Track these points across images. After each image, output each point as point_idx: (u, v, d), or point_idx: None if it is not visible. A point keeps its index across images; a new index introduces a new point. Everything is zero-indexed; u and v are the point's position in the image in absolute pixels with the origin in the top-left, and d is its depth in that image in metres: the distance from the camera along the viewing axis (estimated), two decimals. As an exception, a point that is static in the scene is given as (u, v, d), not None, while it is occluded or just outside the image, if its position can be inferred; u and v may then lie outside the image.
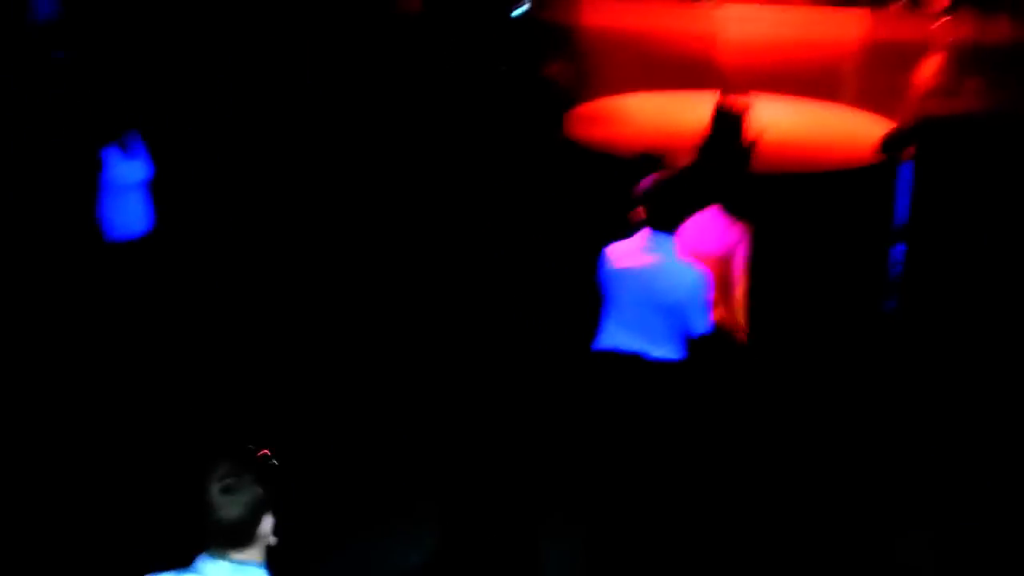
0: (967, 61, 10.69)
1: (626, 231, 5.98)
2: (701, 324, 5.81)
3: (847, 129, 9.91)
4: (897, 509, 6.36)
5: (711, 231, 6.73)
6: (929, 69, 10.37)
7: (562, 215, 8.82)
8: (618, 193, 8.87)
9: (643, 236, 5.88)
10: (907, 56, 11.19)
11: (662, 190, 5.87)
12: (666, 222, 5.82)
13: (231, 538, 3.54)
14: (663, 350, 5.83)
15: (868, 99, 10.55)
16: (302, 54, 10.23)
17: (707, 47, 12.81)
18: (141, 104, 7.63)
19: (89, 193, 7.17)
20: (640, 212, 5.89)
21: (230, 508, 3.52)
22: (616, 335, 5.89)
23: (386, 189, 9.49)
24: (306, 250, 8.87)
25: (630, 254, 5.88)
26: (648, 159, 8.71)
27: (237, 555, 3.56)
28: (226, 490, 3.53)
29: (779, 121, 10.29)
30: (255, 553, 3.59)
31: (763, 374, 7.19)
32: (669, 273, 5.76)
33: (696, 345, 5.87)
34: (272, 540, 3.61)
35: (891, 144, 8.69)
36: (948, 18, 10.71)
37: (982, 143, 8.38)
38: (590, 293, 5.99)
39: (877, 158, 8.81)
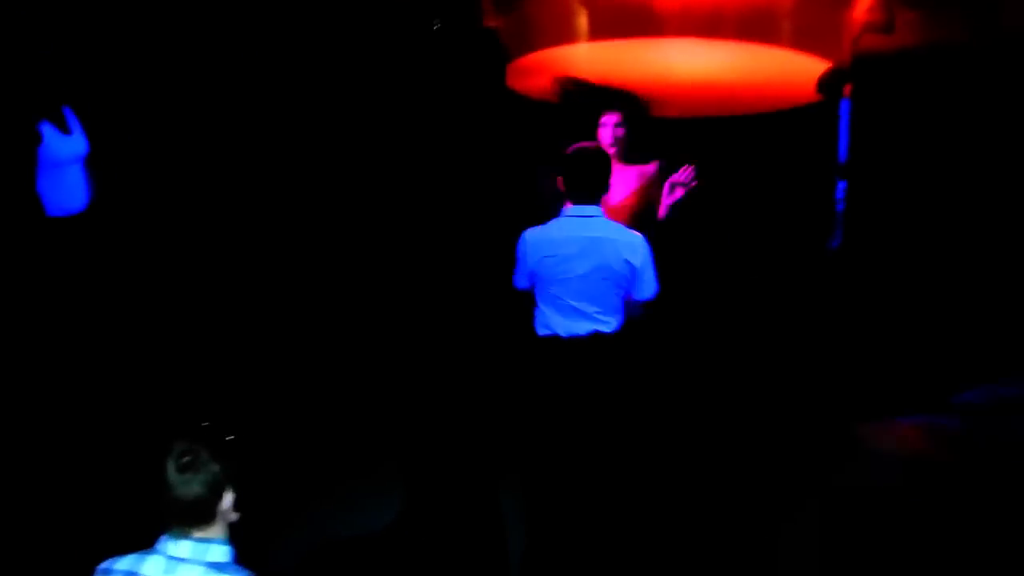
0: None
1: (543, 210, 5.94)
2: (648, 289, 5.82)
3: (785, 69, 9.91)
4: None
5: (617, 181, 6.73)
6: (864, 5, 10.41)
7: (506, 170, 8.80)
8: (560, 144, 8.91)
9: (566, 210, 5.88)
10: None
11: (581, 159, 5.81)
12: (590, 192, 5.81)
13: (192, 517, 3.56)
14: (612, 325, 5.83)
15: (805, 38, 10.55)
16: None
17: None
18: (77, 79, 7.53)
19: (27, 169, 7.08)
20: (560, 184, 5.84)
21: (189, 486, 3.53)
22: (554, 320, 5.82)
23: (326, 148, 9.41)
24: (251, 220, 8.80)
25: (555, 232, 5.82)
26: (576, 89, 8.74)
27: (199, 533, 3.58)
28: (183, 468, 3.54)
29: (717, 64, 10.30)
30: (217, 530, 3.60)
31: (709, 320, 7.24)
32: (603, 243, 5.74)
33: (641, 312, 5.88)
34: (234, 516, 3.62)
35: (828, 83, 8.72)
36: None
37: (919, 78, 8.43)
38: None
39: (816, 98, 8.84)
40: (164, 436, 3.58)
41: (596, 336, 5.72)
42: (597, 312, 5.75)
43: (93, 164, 7.31)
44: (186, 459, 3.51)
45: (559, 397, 5.75)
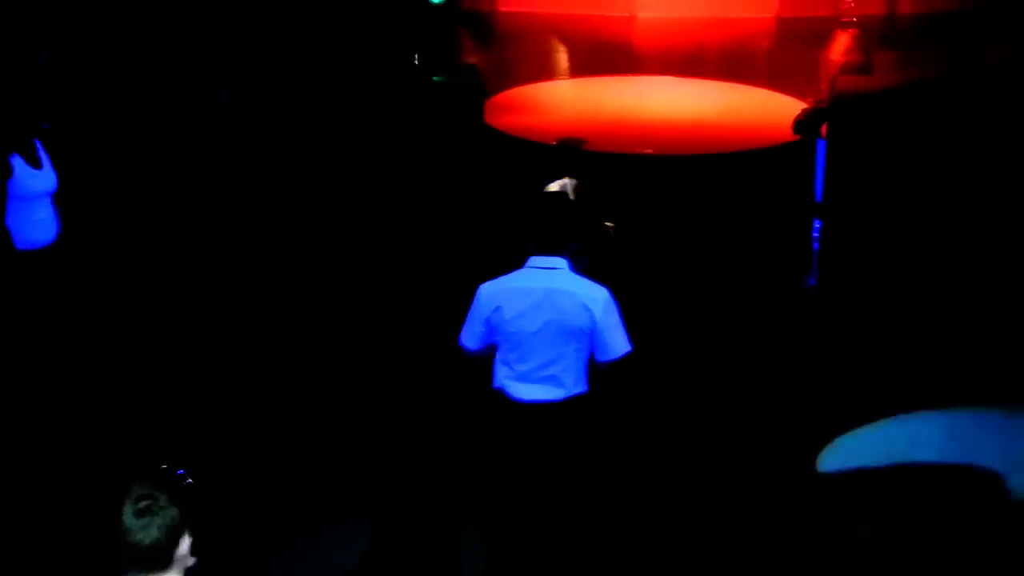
0: (877, 37, 10.82)
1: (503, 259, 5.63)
2: (614, 348, 5.27)
3: (763, 109, 9.97)
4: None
5: None
6: (840, 46, 10.47)
7: (483, 205, 8.81)
8: (539, 181, 8.91)
9: (530, 262, 5.34)
10: (818, 33, 11.31)
11: (546, 205, 5.44)
12: (554, 241, 5.29)
13: (149, 562, 3.50)
14: (569, 388, 5.29)
15: (782, 78, 10.63)
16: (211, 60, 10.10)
17: (624, 31, 12.86)
18: (46, 113, 7.51)
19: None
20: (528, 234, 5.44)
21: (146, 531, 3.47)
22: (506, 381, 5.31)
23: (305, 181, 9.41)
24: (215, 255, 8.76)
25: (512, 283, 5.30)
26: (568, 145, 8.75)
27: (156, 577, 3.53)
28: (140, 512, 3.49)
29: (696, 102, 10.36)
30: (174, 575, 3.56)
31: (685, 355, 7.22)
32: (560, 295, 5.22)
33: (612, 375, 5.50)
34: (191, 561, 3.57)
35: (805, 123, 8.77)
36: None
37: (894, 117, 8.46)
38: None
39: (793, 137, 8.89)
40: (122, 479, 3.55)
41: (543, 407, 5.22)
42: (551, 375, 5.24)
43: (62, 199, 7.30)
44: (144, 503, 3.45)
45: (507, 459, 5.46)
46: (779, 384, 7.44)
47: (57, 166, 7.25)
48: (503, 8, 13.56)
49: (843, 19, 11.28)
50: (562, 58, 12.42)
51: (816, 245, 8.88)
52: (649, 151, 9.05)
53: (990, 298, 8.08)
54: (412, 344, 7.65)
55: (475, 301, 5.30)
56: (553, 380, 5.22)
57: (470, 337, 5.33)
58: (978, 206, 8.32)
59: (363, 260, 8.66)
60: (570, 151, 7.92)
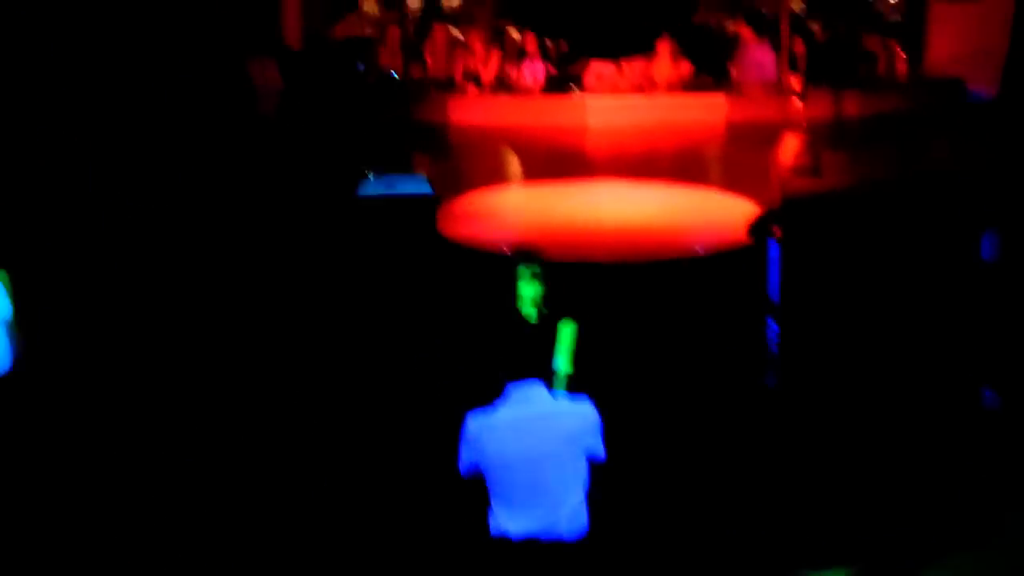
0: (826, 138, 10.97)
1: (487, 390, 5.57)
2: (599, 452, 5.33)
3: (716, 212, 10.04)
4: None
5: None
6: (790, 149, 10.61)
7: (440, 316, 8.78)
8: (494, 290, 8.90)
9: (512, 390, 5.31)
10: (768, 137, 11.45)
11: (518, 327, 5.72)
12: (529, 365, 5.27)
13: None
14: (567, 518, 5.26)
15: (734, 181, 10.73)
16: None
17: (576, 138, 12.97)
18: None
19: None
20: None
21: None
22: (504, 518, 5.25)
23: (256, 298, 9.36)
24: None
25: (497, 414, 5.26)
26: (522, 254, 8.75)
27: None
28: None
29: (648, 207, 10.42)
30: None
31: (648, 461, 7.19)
32: (559, 415, 5.24)
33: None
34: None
35: (758, 226, 8.83)
36: (803, 98, 10.98)
37: (845, 218, 8.54)
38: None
39: (747, 240, 8.94)
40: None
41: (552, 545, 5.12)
42: (551, 503, 5.20)
43: (17, 327, 7.23)
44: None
45: None
46: (745, 485, 7.41)
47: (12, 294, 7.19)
48: (455, 121, 13.68)
49: (792, 123, 11.44)
50: (514, 165, 12.50)
51: (774, 347, 8.90)
52: (601, 258, 9.07)
53: (948, 389, 8.12)
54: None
55: (463, 435, 5.28)
56: (552, 511, 5.22)
57: (464, 467, 5.35)
58: (930, 301, 8.39)
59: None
60: (525, 259, 7.94)
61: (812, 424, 8.07)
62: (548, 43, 14.50)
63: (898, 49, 13.61)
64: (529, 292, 6.55)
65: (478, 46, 14.58)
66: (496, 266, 8.84)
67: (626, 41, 13.91)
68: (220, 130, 10.93)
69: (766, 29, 13.56)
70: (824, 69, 12.51)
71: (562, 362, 6.45)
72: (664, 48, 13.77)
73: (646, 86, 13.72)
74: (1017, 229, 8.56)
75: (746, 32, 13.44)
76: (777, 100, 12.55)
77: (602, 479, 5.46)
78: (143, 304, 9.15)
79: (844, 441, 7.84)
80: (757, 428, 8.13)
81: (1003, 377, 8.40)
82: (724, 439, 7.93)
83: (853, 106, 12.49)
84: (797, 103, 10.96)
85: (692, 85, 13.73)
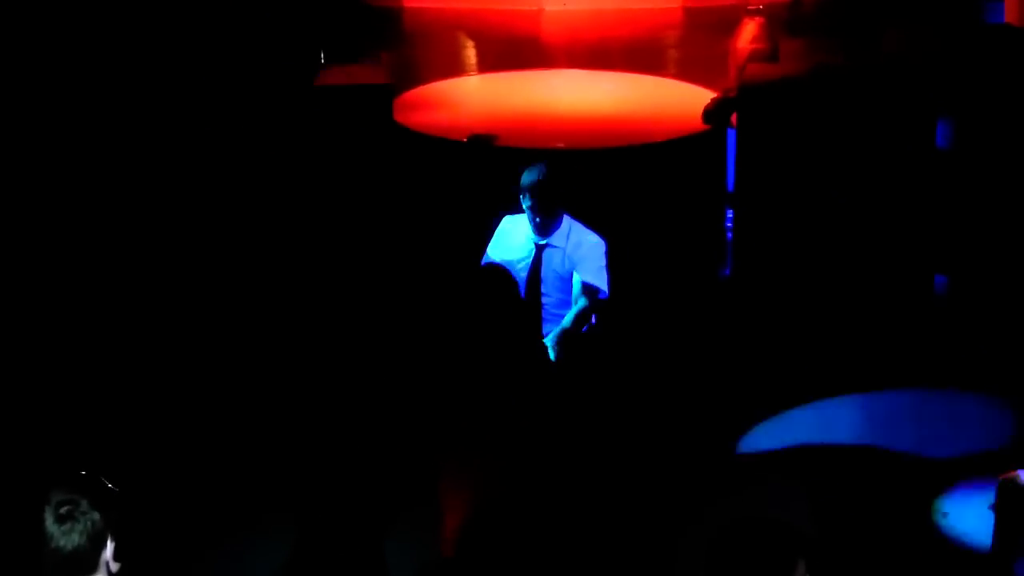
0: (784, 24, 10.92)
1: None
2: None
3: (672, 99, 10.02)
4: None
5: None
6: (747, 34, 10.57)
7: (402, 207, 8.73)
8: (451, 178, 8.87)
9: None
10: (725, 23, 11.39)
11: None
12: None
13: (72, 567, 3.45)
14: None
15: (691, 68, 10.68)
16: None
17: (531, 25, 12.85)
18: None
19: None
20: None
21: (68, 537, 3.42)
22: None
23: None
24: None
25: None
26: (479, 142, 8.74)
27: (80, 583, 3.47)
28: (62, 518, 3.43)
29: (605, 95, 10.38)
30: (98, 580, 3.50)
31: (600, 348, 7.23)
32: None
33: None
34: (115, 566, 3.52)
35: (714, 113, 8.82)
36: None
37: (803, 105, 8.55)
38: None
39: (703, 127, 8.93)
40: (43, 484, 3.48)
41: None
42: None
43: None
44: (65, 508, 3.40)
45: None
46: (696, 374, 7.50)
47: None
48: (408, 4, 13.49)
49: (749, 7, 11.39)
50: (470, 54, 12.39)
51: (729, 235, 8.95)
52: (560, 145, 9.04)
53: (902, 283, 8.22)
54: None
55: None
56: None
57: None
58: (886, 190, 8.44)
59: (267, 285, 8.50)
60: (481, 147, 7.92)
61: (766, 311, 8.17)
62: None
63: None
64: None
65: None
66: (453, 154, 8.84)
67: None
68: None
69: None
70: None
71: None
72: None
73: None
74: (971, 117, 8.60)
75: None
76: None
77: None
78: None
79: (798, 328, 7.95)
80: (711, 317, 8.21)
81: (954, 264, 8.51)
82: (678, 328, 8.01)
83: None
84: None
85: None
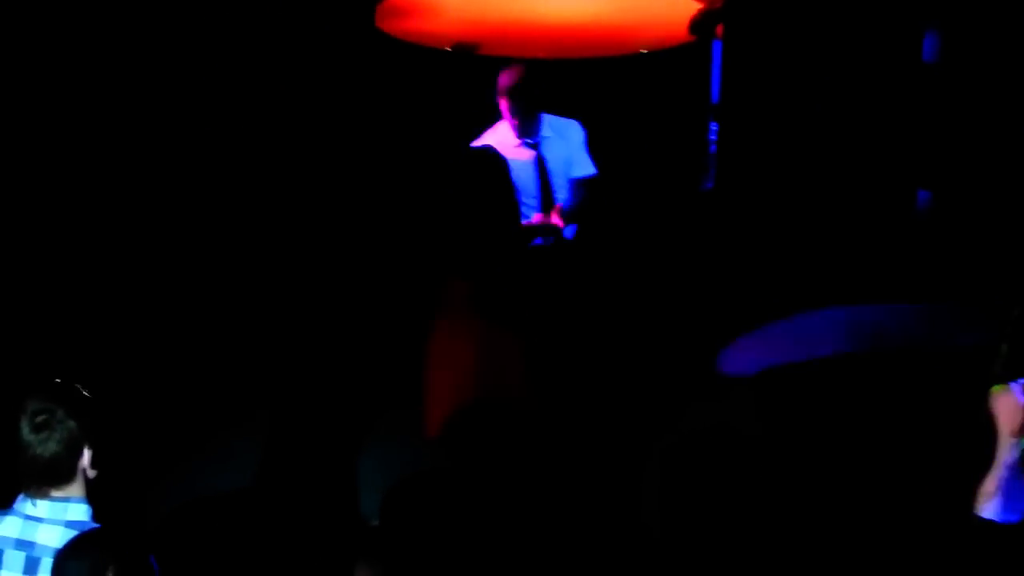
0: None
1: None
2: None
3: (659, 9, 9.91)
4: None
5: None
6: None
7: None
8: (436, 87, 8.78)
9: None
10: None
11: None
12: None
13: (49, 476, 3.45)
14: None
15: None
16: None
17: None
18: None
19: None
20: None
21: (45, 445, 3.42)
22: None
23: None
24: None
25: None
26: (462, 50, 8.64)
27: (58, 492, 3.48)
28: (38, 427, 3.43)
29: (589, 4, 10.26)
30: (76, 488, 3.50)
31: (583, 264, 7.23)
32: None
33: None
34: (92, 473, 3.52)
35: (701, 24, 8.72)
36: None
37: (789, 17, 8.47)
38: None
39: (688, 38, 8.84)
40: (17, 392, 3.46)
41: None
42: None
43: None
44: (41, 418, 3.39)
45: None
46: (678, 287, 7.50)
47: None
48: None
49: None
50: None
51: (713, 148, 8.91)
52: (543, 55, 8.95)
53: (886, 195, 8.20)
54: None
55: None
56: None
57: None
58: (871, 104, 8.40)
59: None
60: (464, 55, 7.82)
61: (749, 225, 8.16)
62: None
63: None
64: None
65: None
66: (435, 62, 8.76)
67: None
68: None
69: None
70: None
71: None
72: None
73: None
74: (958, 31, 8.54)
75: None
76: None
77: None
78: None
79: (780, 242, 7.95)
80: (694, 228, 8.20)
81: (937, 179, 8.50)
82: (660, 241, 8.01)
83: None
84: None
85: None
